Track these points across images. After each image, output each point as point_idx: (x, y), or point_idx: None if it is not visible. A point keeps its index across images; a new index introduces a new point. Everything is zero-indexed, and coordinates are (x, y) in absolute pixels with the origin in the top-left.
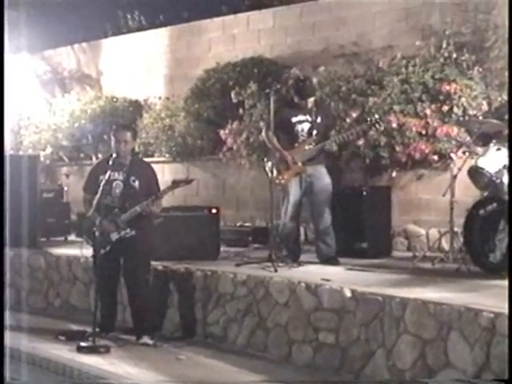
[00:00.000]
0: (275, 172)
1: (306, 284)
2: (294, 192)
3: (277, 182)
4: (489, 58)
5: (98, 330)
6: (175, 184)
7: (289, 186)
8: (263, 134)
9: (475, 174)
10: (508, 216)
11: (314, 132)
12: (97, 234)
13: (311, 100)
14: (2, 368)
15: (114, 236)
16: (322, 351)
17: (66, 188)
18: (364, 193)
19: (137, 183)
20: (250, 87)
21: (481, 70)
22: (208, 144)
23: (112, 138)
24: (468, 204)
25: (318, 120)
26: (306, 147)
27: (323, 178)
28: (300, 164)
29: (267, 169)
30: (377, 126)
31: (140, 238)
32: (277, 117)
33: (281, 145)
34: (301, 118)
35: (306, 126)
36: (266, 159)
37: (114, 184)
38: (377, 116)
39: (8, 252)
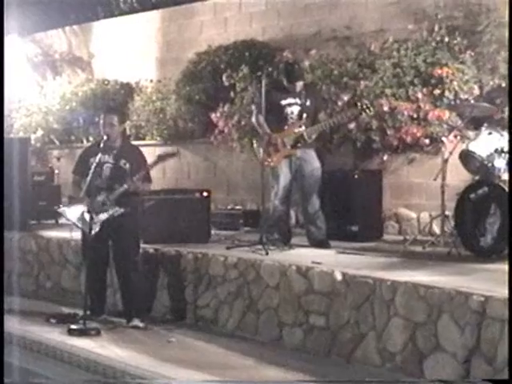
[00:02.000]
0: (265, 155)
1: (296, 267)
2: (284, 175)
3: (266, 164)
4: (481, 42)
5: (88, 312)
6: (160, 158)
7: (278, 168)
8: (253, 117)
9: (466, 157)
10: (508, 203)
11: (304, 115)
12: (86, 215)
13: (300, 83)
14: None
15: (104, 216)
16: (313, 334)
17: (56, 171)
18: (355, 176)
19: (127, 166)
20: (241, 70)
21: (473, 54)
22: (199, 127)
23: (100, 121)
24: (459, 188)
25: (308, 103)
26: (296, 130)
27: (312, 162)
28: (289, 147)
29: (257, 152)
30: (367, 111)
31: (129, 217)
32: (267, 100)
33: (270, 128)
34: (290, 100)
35: (296, 109)
36: (255, 142)
37: (104, 166)
38: (367, 101)
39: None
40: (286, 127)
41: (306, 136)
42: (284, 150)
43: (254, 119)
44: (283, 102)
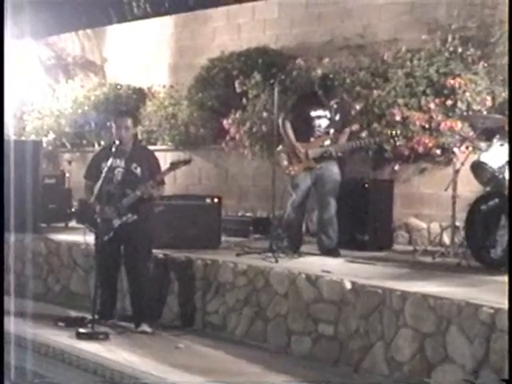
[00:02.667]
0: (286, 162)
1: (306, 275)
2: (303, 185)
3: (286, 172)
4: (494, 53)
5: (97, 316)
6: (173, 165)
7: (299, 178)
8: (279, 121)
9: (478, 168)
10: (508, 213)
11: (332, 130)
12: (99, 220)
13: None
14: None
15: (117, 222)
16: (321, 343)
17: (67, 174)
18: (366, 186)
19: (139, 170)
20: (254, 77)
21: (486, 65)
22: (211, 133)
23: (113, 124)
24: (470, 199)
25: (337, 118)
26: (321, 143)
27: (332, 168)
28: (312, 160)
29: (279, 158)
30: (396, 139)
31: (141, 223)
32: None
33: (296, 137)
34: (320, 113)
35: (325, 123)
36: (279, 148)
37: (115, 171)
38: (399, 131)
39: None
40: (312, 139)
41: (333, 152)
42: (306, 162)
43: (280, 123)
44: (313, 114)
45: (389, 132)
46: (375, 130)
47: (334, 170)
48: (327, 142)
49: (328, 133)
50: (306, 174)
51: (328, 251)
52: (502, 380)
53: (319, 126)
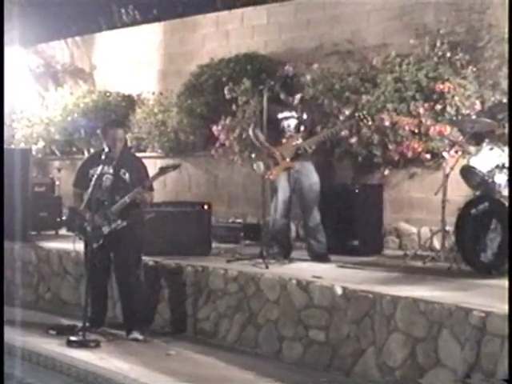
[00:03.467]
0: (264, 168)
1: (296, 281)
2: (283, 188)
3: (266, 177)
4: (482, 57)
5: (88, 324)
6: (163, 170)
7: (277, 182)
8: (250, 131)
9: (467, 173)
10: (508, 218)
11: (302, 128)
12: (88, 228)
13: (297, 97)
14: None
15: (106, 229)
16: (312, 348)
17: (57, 182)
18: (356, 191)
19: (127, 175)
20: (243, 83)
21: (474, 69)
22: (200, 140)
23: (107, 134)
24: (460, 203)
25: (304, 116)
26: (294, 143)
27: (310, 176)
28: (288, 160)
29: (255, 166)
30: (364, 121)
31: (131, 230)
32: (264, 114)
33: (269, 141)
34: (286, 114)
35: (293, 123)
36: (254, 156)
37: (104, 177)
38: (364, 112)
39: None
40: (283, 140)
41: (306, 147)
42: (283, 163)
43: (250, 133)
44: (280, 116)
45: (356, 115)
46: (365, 136)
47: (312, 179)
48: (299, 141)
49: (299, 131)
50: (284, 179)
51: (318, 256)
52: (503, 380)
53: (288, 126)
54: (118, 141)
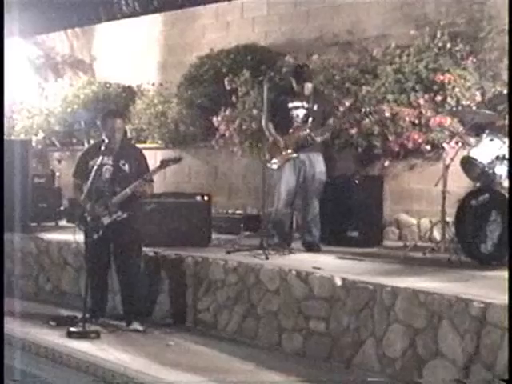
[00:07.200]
0: (267, 156)
1: (296, 272)
2: (287, 178)
3: (268, 165)
4: (483, 48)
5: (88, 315)
6: (164, 163)
7: (282, 171)
8: (263, 123)
9: (468, 164)
10: (508, 209)
11: (310, 119)
12: (88, 219)
13: (309, 87)
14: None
15: (106, 220)
16: (312, 339)
17: (57, 173)
18: (356, 182)
19: (127, 166)
20: (243, 74)
21: (475, 60)
22: (200, 131)
23: (105, 124)
24: (460, 194)
25: (315, 107)
26: (301, 133)
27: (317, 165)
28: (291, 150)
29: (262, 155)
30: (369, 116)
31: (131, 221)
32: (275, 102)
33: (276, 131)
34: (297, 103)
35: (302, 113)
36: (260, 145)
37: (103, 168)
38: (369, 108)
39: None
40: (290, 130)
41: (314, 138)
42: (287, 153)
43: (263, 125)
44: (290, 105)
45: (362, 109)
46: (365, 127)
47: (319, 168)
48: (306, 132)
49: (307, 122)
50: (289, 168)
51: (309, 246)
52: (502, 380)
53: (297, 117)
54: (117, 131)
